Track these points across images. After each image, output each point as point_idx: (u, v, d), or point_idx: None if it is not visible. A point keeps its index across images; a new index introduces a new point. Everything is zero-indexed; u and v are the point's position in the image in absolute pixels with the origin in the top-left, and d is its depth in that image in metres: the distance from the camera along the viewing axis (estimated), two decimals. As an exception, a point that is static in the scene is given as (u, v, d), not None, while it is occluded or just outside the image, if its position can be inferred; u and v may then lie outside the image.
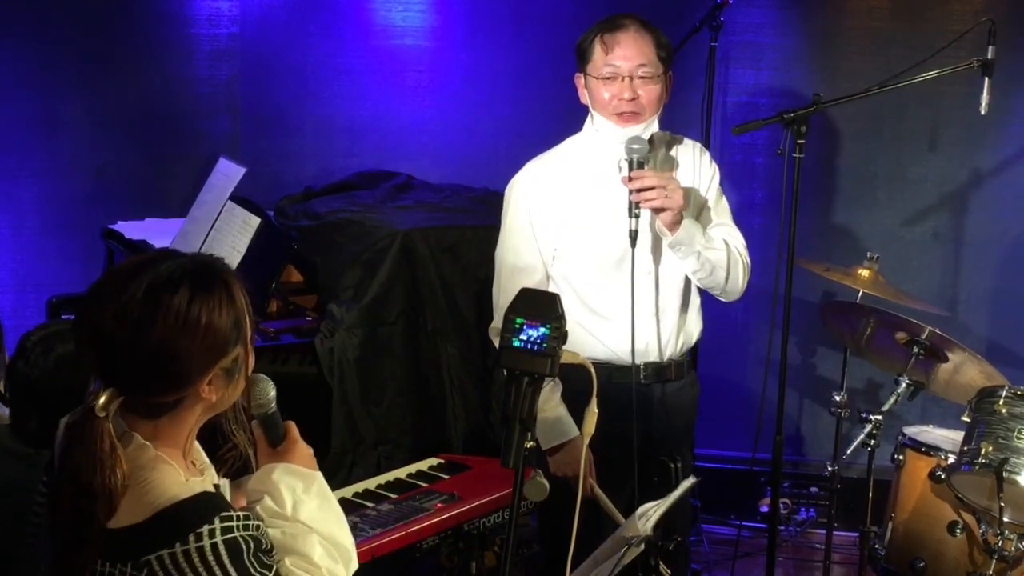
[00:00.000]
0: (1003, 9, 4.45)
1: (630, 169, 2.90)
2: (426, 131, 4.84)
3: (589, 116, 3.07)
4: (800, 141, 3.32)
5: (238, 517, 1.71)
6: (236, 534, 1.69)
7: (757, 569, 4.30)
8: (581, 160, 3.06)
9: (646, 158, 2.92)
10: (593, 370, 2.17)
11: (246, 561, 1.69)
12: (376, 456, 3.61)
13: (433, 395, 3.71)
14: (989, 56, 3.48)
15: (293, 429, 1.94)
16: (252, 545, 1.70)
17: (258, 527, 1.74)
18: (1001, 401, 3.29)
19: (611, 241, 3.00)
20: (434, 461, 3.23)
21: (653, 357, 3.07)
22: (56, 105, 4.68)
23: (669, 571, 2.61)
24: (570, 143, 3.12)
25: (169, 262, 1.75)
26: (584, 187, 3.03)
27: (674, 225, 2.91)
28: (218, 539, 1.67)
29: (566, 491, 2.56)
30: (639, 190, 2.87)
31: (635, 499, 2.90)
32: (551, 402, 2.95)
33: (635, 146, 2.90)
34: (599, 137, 3.03)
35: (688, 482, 2.51)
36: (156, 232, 4.15)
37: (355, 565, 1.90)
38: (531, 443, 2.02)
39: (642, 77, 2.95)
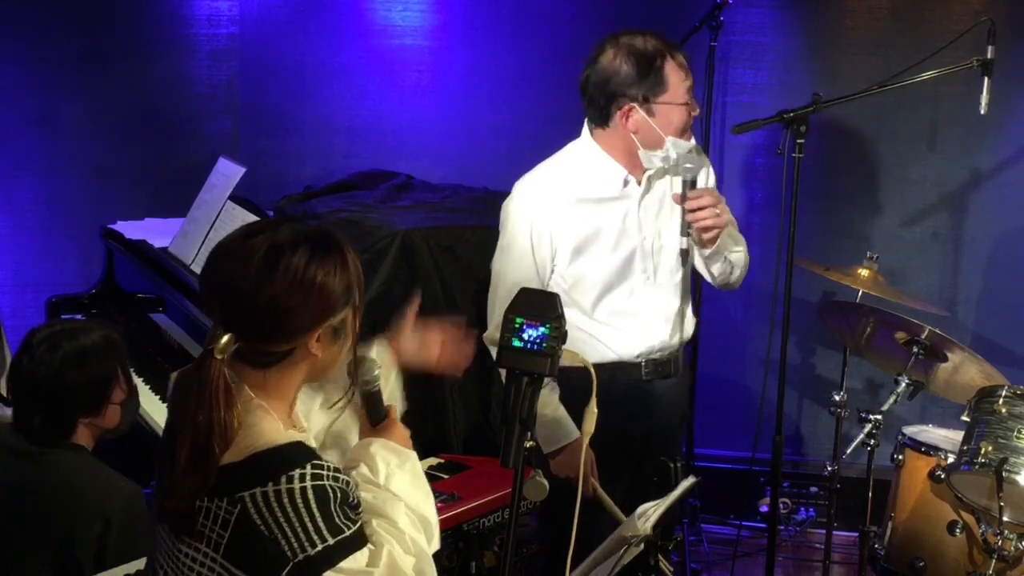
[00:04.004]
0: (1003, 9, 4.45)
1: (684, 188, 2.89)
2: (426, 131, 4.84)
3: (592, 133, 3.01)
4: (800, 141, 3.32)
5: (329, 467, 1.81)
6: (325, 482, 1.79)
7: (757, 569, 4.30)
8: (585, 176, 3.01)
9: (697, 176, 2.94)
10: (592, 370, 2.17)
11: (332, 509, 1.79)
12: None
13: (433, 395, 3.71)
14: (989, 56, 3.48)
15: (394, 411, 2.09)
16: (339, 496, 1.81)
17: (347, 483, 1.84)
18: (1001, 401, 3.29)
19: (615, 254, 3.00)
20: (434, 461, 3.23)
21: (656, 355, 3.09)
22: (56, 105, 4.69)
23: (672, 569, 2.61)
24: (569, 157, 3.05)
25: (291, 225, 1.91)
26: (589, 204, 3.00)
27: (714, 240, 2.94)
28: (308, 483, 1.78)
29: (566, 490, 2.57)
30: (694, 209, 2.87)
31: (645, 493, 2.91)
32: (550, 405, 2.95)
33: (689, 165, 2.90)
34: (603, 155, 2.98)
35: (688, 481, 2.51)
36: (156, 232, 4.14)
37: (437, 544, 1.99)
38: (531, 443, 2.02)
39: None
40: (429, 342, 2.36)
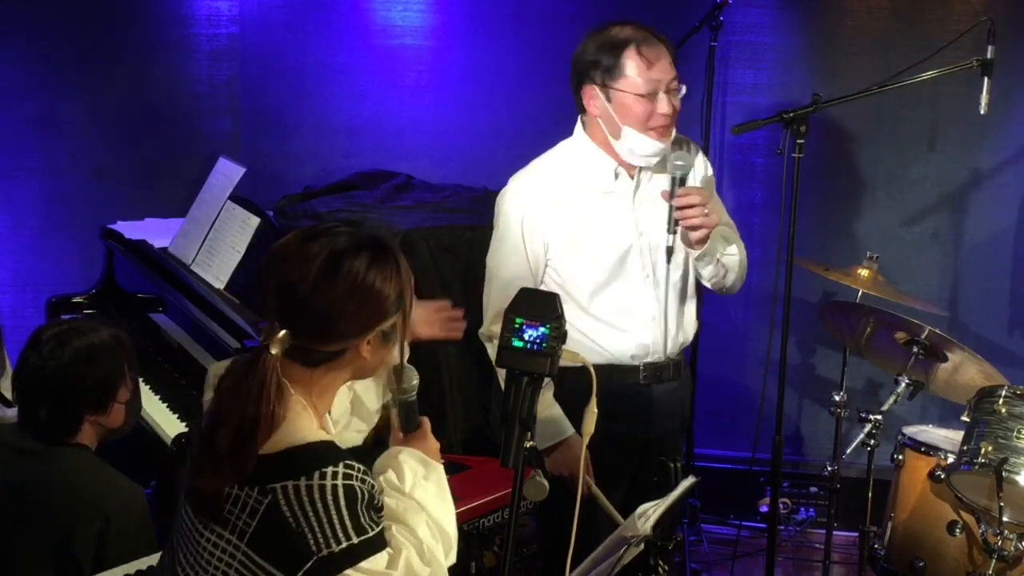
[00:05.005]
0: (1003, 9, 4.45)
1: (672, 186, 2.88)
2: (425, 131, 4.84)
3: (581, 124, 3.03)
4: (799, 141, 3.32)
5: (359, 469, 1.86)
6: (355, 483, 1.84)
7: (757, 569, 4.30)
8: (576, 168, 3.01)
9: (688, 174, 2.92)
10: (593, 370, 2.17)
11: (359, 509, 1.83)
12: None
13: (433, 395, 3.71)
14: (989, 56, 3.48)
15: (426, 423, 2.14)
16: (366, 498, 1.85)
17: (373, 486, 1.88)
18: (1001, 401, 3.29)
19: (609, 249, 2.99)
20: (434, 461, 3.22)
21: (652, 358, 3.07)
22: (56, 105, 4.69)
23: (667, 567, 2.61)
24: (563, 151, 3.06)
25: (348, 231, 1.97)
26: (580, 195, 3.00)
27: (702, 241, 2.92)
28: (339, 481, 1.82)
29: (564, 491, 2.57)
30: (681, 207, 2.86)
31: (643, 496, 2.91)
32: (544, 402, 2.94)
33: (679, 163, 2.88)
34: (593, 147, 2.99)
35: (688, 482, 2.50)
36: (156, 232, 4.14)
37: (454, 557, 2.02)
38: (531, 443, 2.03)
39: (673, 89, 2.92)
40: (429, 313, 2.62)
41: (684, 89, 2.96)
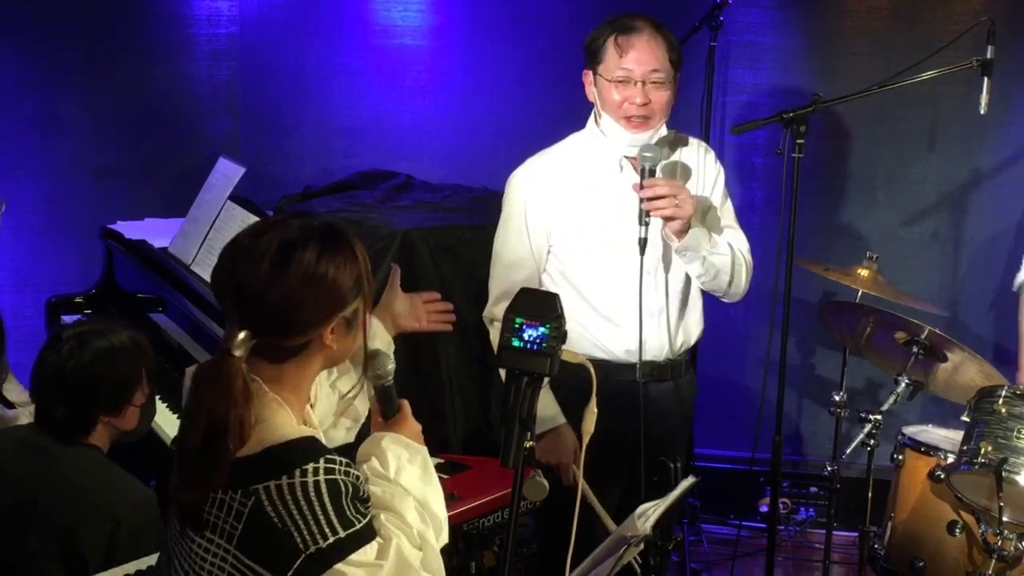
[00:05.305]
0: (1003, 9, 4.46)
1: (642, 177, 2.89)
2: (425, 131, 4.85)
3: (593, 114, 3.07)
4: (799, 141, 3.32)
5: (341, 462, 1.84)
6: (338, 476, 1.82)
7: (757, 569, 4.30)
8: (584, 158, 3.06)
9: (657, 166, 2.93)
10: (593, 370, 2.17)
11: (344, 503, 1.82)
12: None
13: (433, 395, 3.71)
14: (988, 56, 3.48)
15: (406, 406, 2.12)
16: (351, 490, 1.84)
17: (357, 477, 1.87)
18: (1000, 401, 3.29)
19: (613, 240, 3.00)
20: (434, 461, 3.21)
21: (651, 356, 3.07)
22: (56, 105, 4.69)
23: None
24: (574, 140, 3.11)
25: (299, 221, 1.94)
26: (585, 185, 3.03)
27: (682, 232, 2.92)
28: (321, 477, 1.81)
29: (564, 491, 2.57)
30: (650, 198, 2.87)
31: (640, 495, 2.91)
32: None
33: (648, 154, 2.89)
34: (604, 137, 3.03)
35: (688, 481, 2.51)
36: (156, 232, 4.14)
37: (445, 538, 2.01)
38: (531, 443, 2.02)
39: (654, 82, 2.93)
40: (416, 306, 2.61)
41: (668, 83, 2.96)
